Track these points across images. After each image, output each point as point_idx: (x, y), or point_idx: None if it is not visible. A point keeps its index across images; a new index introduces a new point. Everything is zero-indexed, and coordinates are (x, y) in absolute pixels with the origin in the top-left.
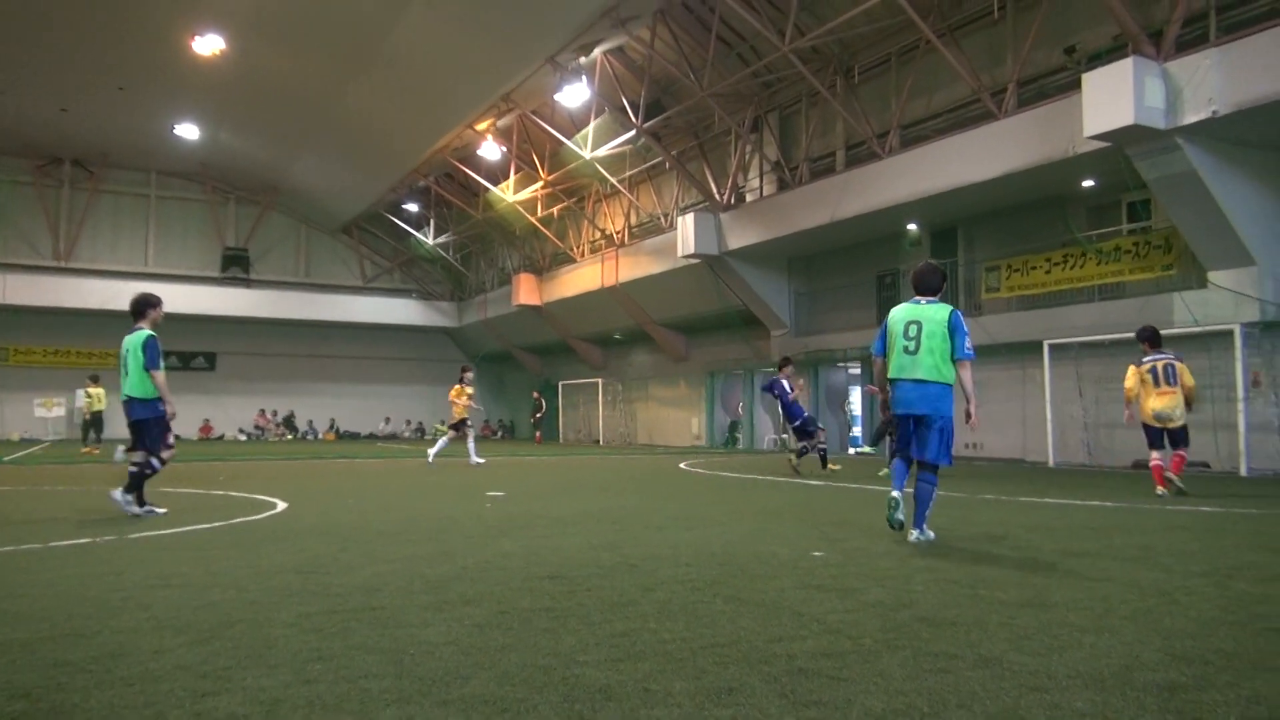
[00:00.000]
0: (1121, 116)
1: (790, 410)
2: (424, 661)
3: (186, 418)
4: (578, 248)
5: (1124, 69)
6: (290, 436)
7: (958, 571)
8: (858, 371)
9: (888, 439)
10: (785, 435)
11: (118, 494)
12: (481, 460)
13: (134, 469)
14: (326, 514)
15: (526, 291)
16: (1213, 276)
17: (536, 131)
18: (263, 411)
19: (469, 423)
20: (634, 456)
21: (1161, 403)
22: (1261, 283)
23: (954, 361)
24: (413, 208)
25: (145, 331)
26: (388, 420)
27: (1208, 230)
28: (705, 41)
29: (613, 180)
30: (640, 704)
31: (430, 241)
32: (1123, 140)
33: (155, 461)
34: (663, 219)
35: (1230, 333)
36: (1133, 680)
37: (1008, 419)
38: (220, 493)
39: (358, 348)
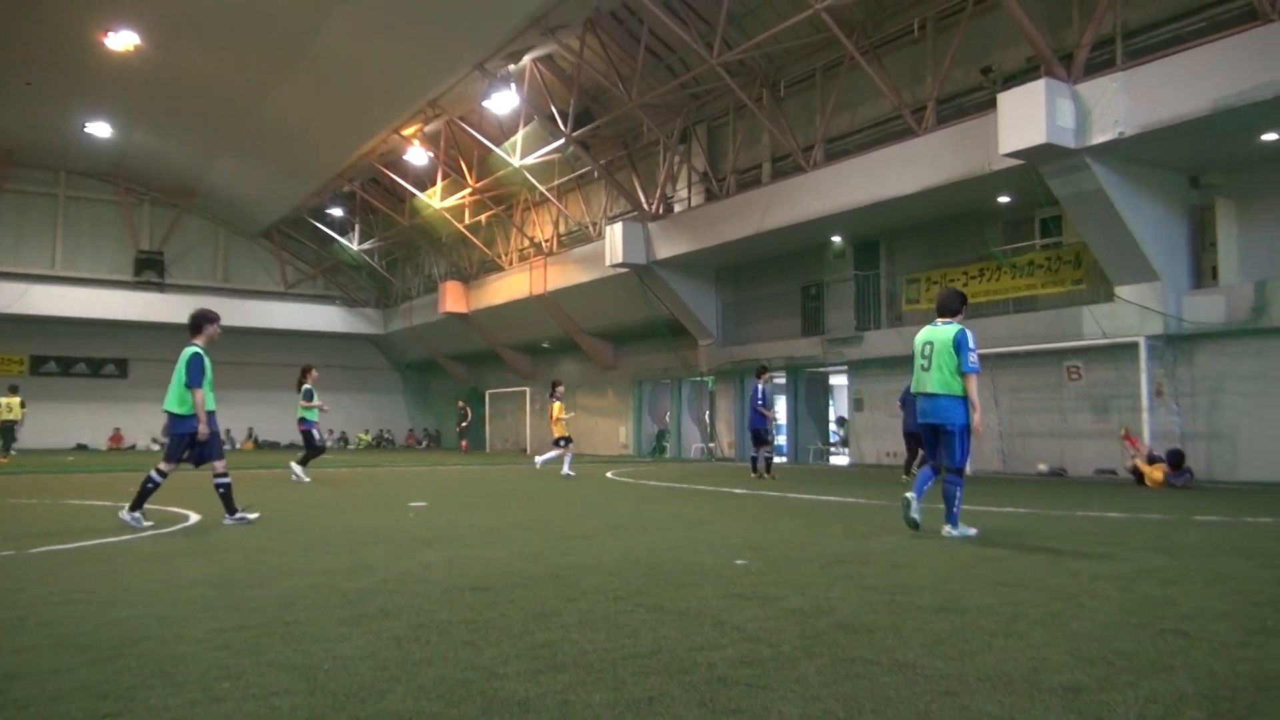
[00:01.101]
0: (1034, 135)
1: (760, 416)
2: (338, 677)
3: (96, 426)
4: (506, 255)
5: (1037, 90)
6: None
7: (876, 578)
8: (783, 380)
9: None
10: (712, 444)
11: (228, 519)
12: (573, 473)
13: (220, 487)
14: (242, 526)
15: (453, 299)
16: (1119, 291)
17: (464, 138)
18: None
19: (563, 438)
20: (580, 466)
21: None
22: (1165, 297)
23: (961, 375)
24: (337, 213)
25: (192, 348)
26: None
27: (1115, 246)
28: (634, 52)
29: (541, 188)
30: (559, 716)
31: (355, 247)
32: (1035, 158)
33: (161, 469)
34: (591, 228)
35: (1135, 345)
36: (1039, 682)
37: None
38: None
39: (278, 355)
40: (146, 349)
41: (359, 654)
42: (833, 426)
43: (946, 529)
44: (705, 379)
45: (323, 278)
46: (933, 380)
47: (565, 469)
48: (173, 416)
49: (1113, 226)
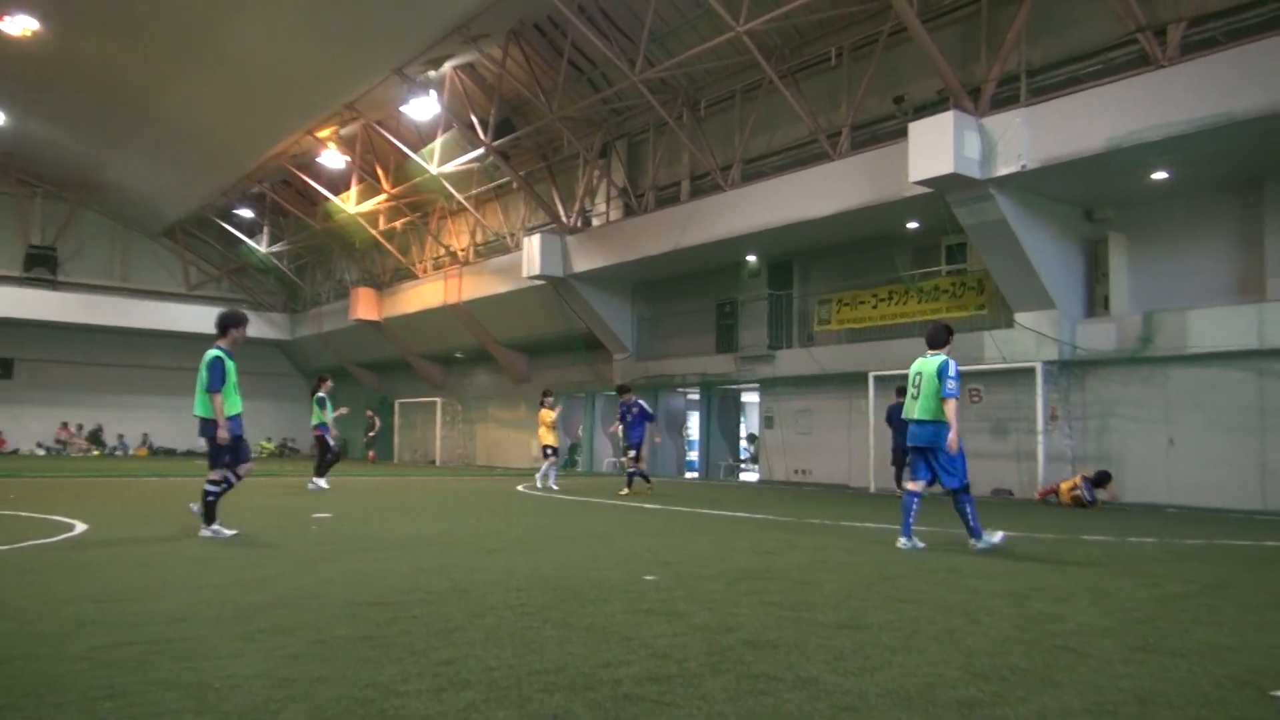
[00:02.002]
0: (942, 165)
1: (638, 430)
2: (230, 696)
3: None
4: (420, 264)
5: (945, 121)
6: (97, 452)
7: (781, 594)
8: (696, 397)
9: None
10: (623, 459)
11: (205, 532)
12: (555, 487)
13: (208, 495)
14: (132, 537)
15: (365, 306)
16: (1018, 317)
17: (381, 143)
18: (65, 424)
19: (550, 447)
20: (471, 478)
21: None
22: (1060, 325)
23: (941, 400)
24: (245, 214)
25: (213, 351)
26: None
27: (1015, 275)
28: (557, 65)
29: (459, 197)
30: None
31: (263, 250)
32: (943, 187)
33: (231, 476)
34: (509, 239)
35: (1032, 370)
36: (935, 698)
37: (835, 446)
38: (8, 513)
39: (178, 358)
40: (35, 349)
41: (253, 672)
42: (743, 443)
43: (972, 543)
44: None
45: (228, 280)
46: (920, 408)
47: (551, 482)
48: (202, 421)
49: (1013, 255)
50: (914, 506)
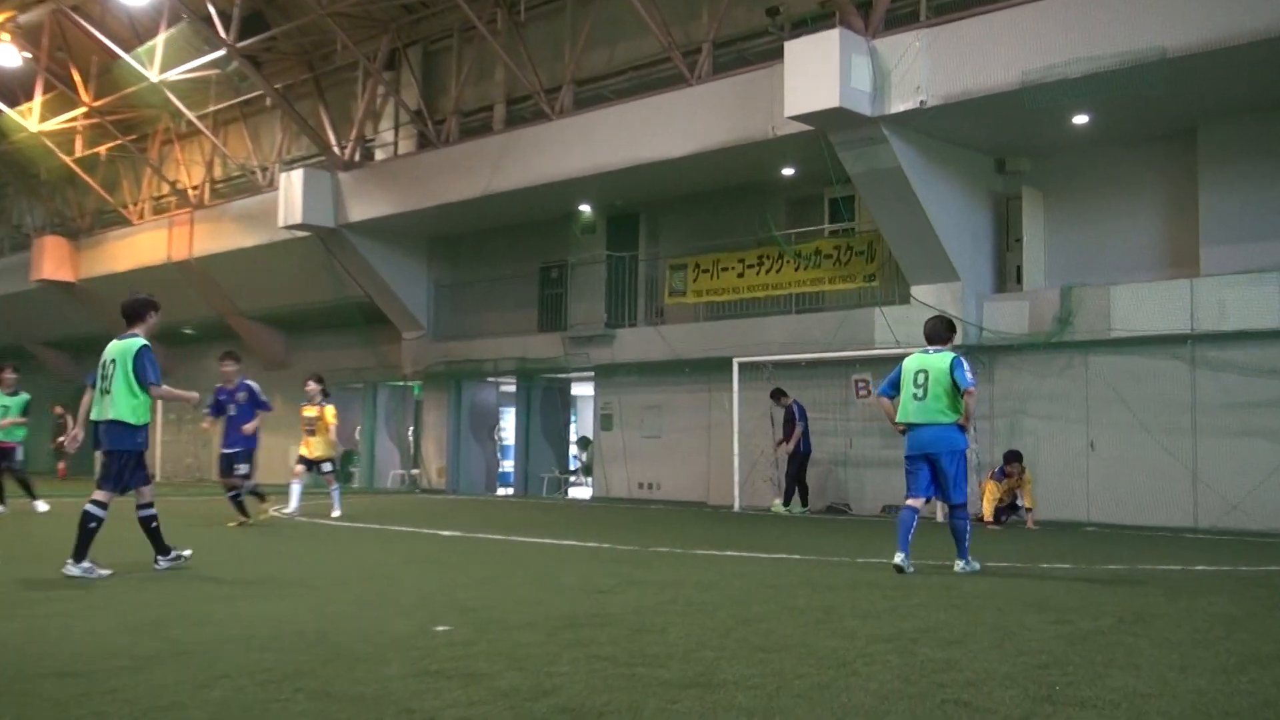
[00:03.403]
0: (826, 97)
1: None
2: None
3: None
4: (135, 205)
5: (830, 41)
6: None
7: (615, 645)
8: (513, 389)
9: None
10: (416, 471)
11: (162, 564)
12: (337, 512)
13: (150, 521)
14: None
15: (54, 261)
16: (915, 291)
17: (79, 37)
18: None
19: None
20: (203, 497)
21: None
22: (965, 302)
23: (961, 393)
24: None
25: (139, 340)
26: None
27: (911, 237)
28: None
29: (190, 115)
30: None
31: None
32: (826, 125)
33: (97, 510)
34: (260, 174)
35: None
36: None
37: (690, 453)
38: None
39: None
40: None
41: None
42: (573, 450)
43: (959, 565)
44: (410, 384)
45: None
46: (931, 409)
47: (335, 508)
48: (117, 427)
49: (910, 213)
50: (914, 522)
